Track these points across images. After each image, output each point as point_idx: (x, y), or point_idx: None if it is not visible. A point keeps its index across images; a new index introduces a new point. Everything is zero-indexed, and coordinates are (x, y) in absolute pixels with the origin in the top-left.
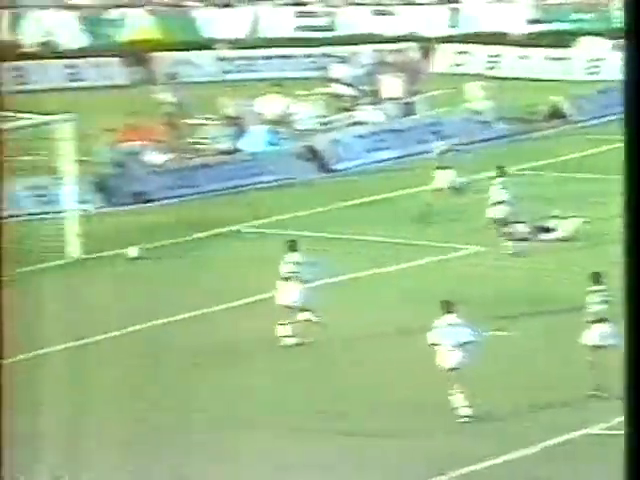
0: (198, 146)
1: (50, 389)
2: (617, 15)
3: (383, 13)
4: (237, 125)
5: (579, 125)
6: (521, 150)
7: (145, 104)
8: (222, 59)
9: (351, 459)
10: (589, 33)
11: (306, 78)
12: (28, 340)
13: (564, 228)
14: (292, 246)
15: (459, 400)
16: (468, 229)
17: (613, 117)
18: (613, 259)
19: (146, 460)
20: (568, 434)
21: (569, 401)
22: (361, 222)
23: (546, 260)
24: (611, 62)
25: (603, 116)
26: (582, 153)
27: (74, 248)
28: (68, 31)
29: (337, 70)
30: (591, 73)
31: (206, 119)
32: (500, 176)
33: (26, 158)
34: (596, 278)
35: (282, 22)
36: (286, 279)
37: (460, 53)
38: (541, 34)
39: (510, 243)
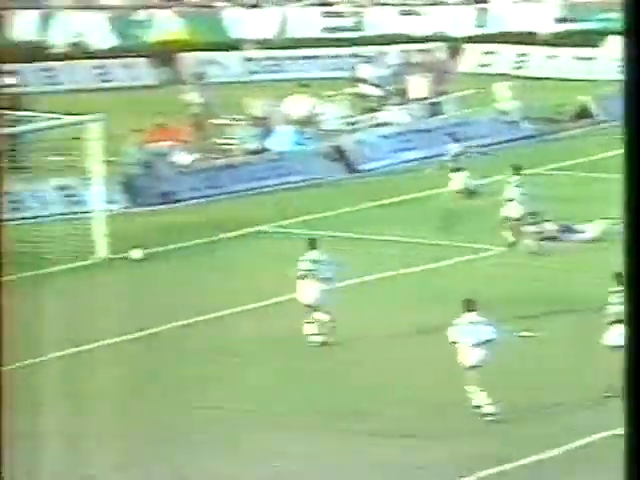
0: (225, 146)
1: (83, 386)
2: None
3: (410, 13)
4: (264, 125)
5: (606, 125)
6: (548, 150)
7: (173, 104)
8: (249, 59)
9: (373, 459)
10: (617, 33)
11: (333, 78)
12: (54, 340)
13: (592, 229)
14: (312, 244)
15: (480, 398)
16: (492, 229)
17: None
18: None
19: (176, 461)
20: (590, 436)
21: (591, 403)
22: (387, 222)
23: (570, 260)
24: None
25: None
26: (609, 153)
27: (101, 248)
28: (97, 32)
29: (364, 70)
30: (619, 73)
31: (233, 119)
32: (516, 175)
33: (55, 158)
34: (619, 279)
35: (309, 22)
36: (303, 277)
37: (487, 53)
38: (569, 33)
39: (536, 243)
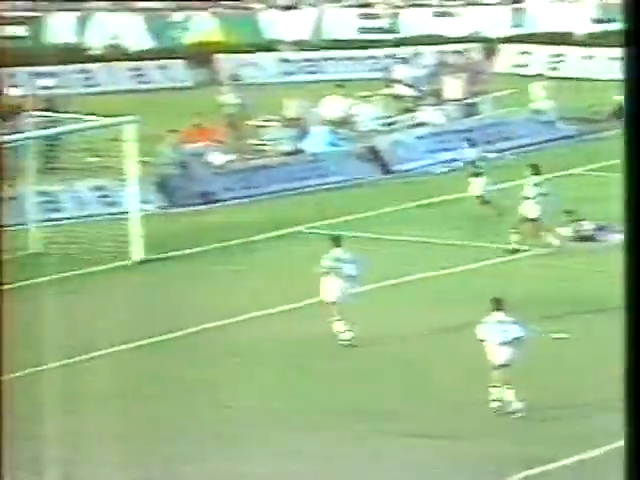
0: (260, 147)
1: (119, 385)
2: None
3: (445, 14)
4: (299, 126)
5: None
6: (584, 151)
7: (208, 105)
8: (285, 60)
9: (401, 460)
10: None
11: (368, 79)
12: (92, 340)
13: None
14: (336, 242)
15: (508, 397)
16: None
17: None
18: None
19: (200, 460)
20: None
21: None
22: (420, 223)
23: (599, 260)
24: None
25: None
26: None
27: (136, 249)
28: (134, 34)
29: (399, 71)
30: None
31: (268, 120)
32: (535, 175)
33: (91, 159)
34: None
35: (345, 23)
36: (326, 274)
37: (523, 53)
38: (604, 34)
39: (572, 244)
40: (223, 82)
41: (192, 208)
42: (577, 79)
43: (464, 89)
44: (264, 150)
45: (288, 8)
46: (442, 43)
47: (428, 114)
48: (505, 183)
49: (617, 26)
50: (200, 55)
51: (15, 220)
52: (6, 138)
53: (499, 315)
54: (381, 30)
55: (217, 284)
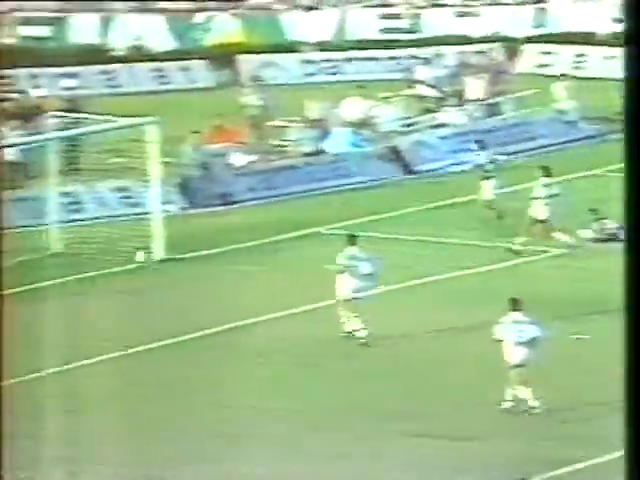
0: (282, 148)
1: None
2: None
3: (467, 14)
4: (320, 127)
5: None
6: (607, 151)
7: (230, 106)
8: (307, 61)
9: (419, 460)
10: None
11: (390, 80)
12: (113, 340)
13: None
14: (351, 240)
15: (526, 396)
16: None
17: None
18: None
19: (225, 460)
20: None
21: None
22: (442, 223)
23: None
24: None
25: None
26: None
27: (158, 249)
28: (156, 35)
29: (421, 72)
30: None
31: (290, 121)
32: (545, 176)
33: (113, 160)
34: None
35: (366, 24)
36: (341, 272)
37: (545, 53)
38: None
39: (596, 245)
40: (245, 83)
41: (214, 209)
42: (599, 79)
43: (486, 89)
44: (286, 151)
45: (310, 9)
46: (464, 43)
47: (450, 115)
48: (521, 185)
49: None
50: (222, 56)
51: (37, 221)
52: (29, 138)
53: (516, 315)
54: (403, 30)
55: (238, 284)
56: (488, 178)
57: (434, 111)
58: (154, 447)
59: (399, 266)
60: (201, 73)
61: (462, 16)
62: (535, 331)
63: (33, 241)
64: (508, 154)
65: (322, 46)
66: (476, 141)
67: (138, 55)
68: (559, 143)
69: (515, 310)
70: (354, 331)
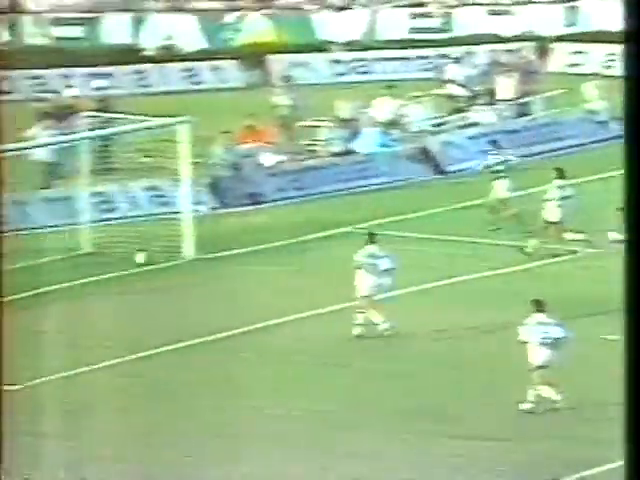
0: (311, 148)
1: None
2: None
3: (498, 13)
4: (350, 127)
5: None
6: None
7: (261, 106)
8: (337, 61)
9: (457, 463)
10: None
11: (421, 79)
12: (143, 338)
13: None
14: (371, 239)
15: (551, 395)
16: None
17: None
18: None
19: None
20: None
21: None
22: (471, 223)
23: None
24: None
25: None
26: None
27: (189, 249)
28: (187, 35)
29: (451, 71)
30: None
31: (320, 121)
32: (559, 178)
33: (145, 160)
34: None
35: (397, 24)
36: (358, 268)
37: (576, 52)
38: None
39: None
40: (275, 83)
41: (243, 209)
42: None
43: (517, 89)
44: (315, 151)
45: (341, 9)
46: (495, 42)
47: (480, 114)
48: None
49: None
50: (253, 56)
51: (69, 220)
52: (61, 138)
53: (540, 316)
54: (433, 30)
55: (267, 284)
56: (500, 178)
57: (464, 110)
58: (183, 447)
59: (425, 266)
60: (232, 73)
61: (493, 15)
62: (559, 332)
63: (65, 241)
64: (535, 154)
65: (352, 46)
66: (492, 141)
67: (169, 55)
68: (588, 143)
69: (539, 311)
70: (374, 325)
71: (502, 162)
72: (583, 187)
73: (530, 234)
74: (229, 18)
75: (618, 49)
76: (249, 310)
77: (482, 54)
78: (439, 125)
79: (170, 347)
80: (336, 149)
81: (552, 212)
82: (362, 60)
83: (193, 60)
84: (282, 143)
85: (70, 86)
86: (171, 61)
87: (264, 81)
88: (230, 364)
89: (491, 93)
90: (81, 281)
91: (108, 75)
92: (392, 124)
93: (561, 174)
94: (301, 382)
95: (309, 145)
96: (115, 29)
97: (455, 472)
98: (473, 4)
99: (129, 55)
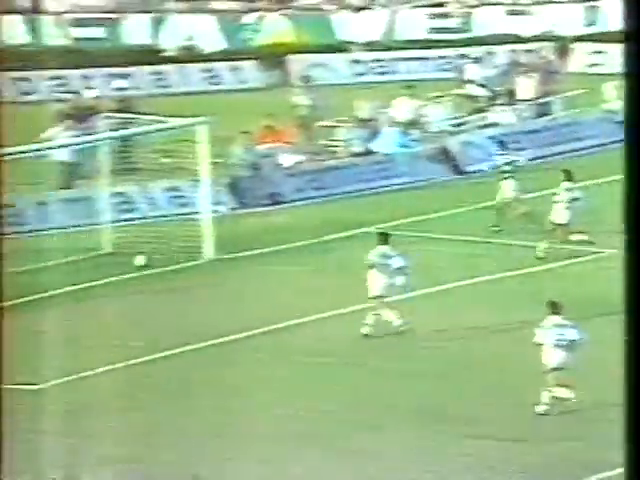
0: (331, 148)
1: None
2: None
3: (518, 13)
4: (370, 127)
5: None
6: None
7: (280, 106)
8: (356, 62)
9: (471, 463)
10: None
11: (440, 79)
12: (162, 338)
13: None
14: (383, 238)
15: (566, 395)
16: (596, 233)
17: None
18: None
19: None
20: None
21: None
22: (489, 224)
23: None
24: None
25: None
26: None
27: (208, 249)
28: (207, 35)
29: (471, 71)
30: None
31: (339, 121)
32: (567, 180)
33: (164, 160)
34: None
35: (416, 24)
36: (370, 267)
37: (596, 52)
38: None
39: None
40: (294, 83)
41: (263, 209)
42: None
43: (537, 89)
44: (335, 151)
45: (360, 9)
46: (515, 42)
47: (500, 114)
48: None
49: None
50: (272, 56)
51: (89, 220)
52: (82, 139)
53: (555, 318)
54: (453, 30)
55: (288, 284)
56: (507, 179)
57: (484, 111)
58: (209, 445)
59: (442, 267)
60: (251, 73)
61: (513, 14)
62: (575, 334)
63: (85, 241)
64: (554, 154)
65: (372, 46)
66: (499, 142)
67: (189, 55)
68: (609, 143)
69: (554, 313)
70: (388, 322)
71: (509, 163)
72: (603, 188)
73: (540, 236)
74: (249, 19)
75: None
76: (269, 310)
77: (502, 54)
78: (459, 125)
79: (190, 347)
80: (356, 149)
81: (559, 214)
82: (381, 60)
83: (213, 60)
84: (301, 143)
85: (90, 87)
86: (191, 62)
87: (283, 81)
88: (250, 364)
89: (511, 93)
90: (101, 281)
91: (128, 76)
92: (411, 124)
93: (569, 176)
94: (323, 382)
95: (328, 145)
96: (135, 30)
97: (469, 472)
98: (492, 4)
99: (149, 56)
